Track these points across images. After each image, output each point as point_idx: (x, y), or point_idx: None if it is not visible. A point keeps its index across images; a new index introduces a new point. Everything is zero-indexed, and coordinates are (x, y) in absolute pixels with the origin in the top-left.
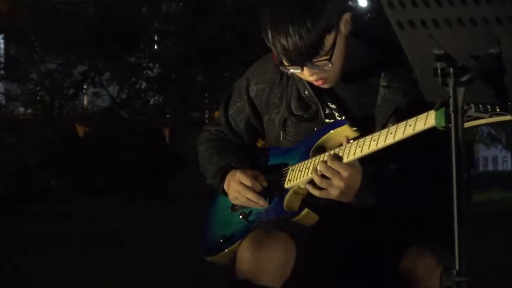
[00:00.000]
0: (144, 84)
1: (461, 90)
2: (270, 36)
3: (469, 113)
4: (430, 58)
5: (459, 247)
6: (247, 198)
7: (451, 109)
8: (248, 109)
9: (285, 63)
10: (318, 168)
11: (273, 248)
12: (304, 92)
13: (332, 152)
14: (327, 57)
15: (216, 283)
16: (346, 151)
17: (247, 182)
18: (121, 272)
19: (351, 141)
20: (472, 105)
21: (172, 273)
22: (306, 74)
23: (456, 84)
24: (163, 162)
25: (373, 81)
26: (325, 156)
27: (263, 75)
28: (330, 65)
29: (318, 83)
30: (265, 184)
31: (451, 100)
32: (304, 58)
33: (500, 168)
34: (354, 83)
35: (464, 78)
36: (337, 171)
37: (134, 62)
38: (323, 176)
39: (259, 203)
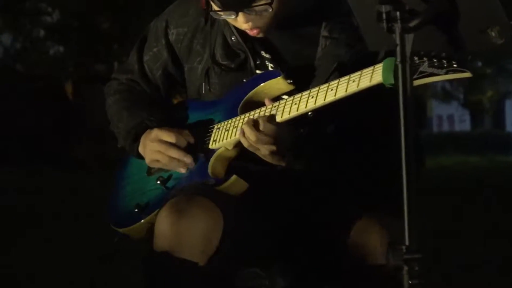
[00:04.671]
0: (42, 33)
1: (409, 38)
2: None
3: (421, 69)
4: (373, 0)
5: (409, 221)
6: (171, 157)
7: (398, 59)
8: (166, 56)
9: (216, 8)
10: (245, 131)
11: (196, 216)
12: (231, 38)
13: (264, 110)
14: (268, 0)
15: (129, 258)
16: (280, 109)
17: (170, 138)
18: (17, 247)
19: (285, 97)
20: (425, 59)
21: (78, 250)
22: (240, 21)
23: (403, 30)
24: (65, 123)
25: (313, 29)
26: (255, 114)
27: (184, 17)
28: (270, 10)
29: (253, 32)
30: (192, 139)
31: (398, 49)
32: (242, 1)
33: (457, 128)
34: (290, 31)
35: (412, 23)
36: (269, 135)
37: (30, 7)
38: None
39: (185, 160)
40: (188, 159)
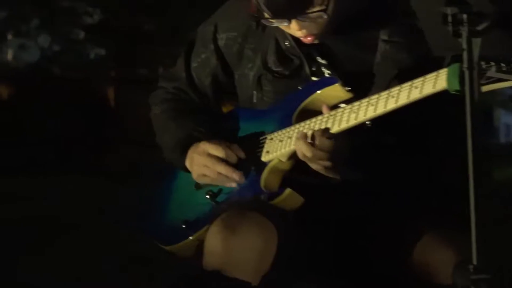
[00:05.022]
0: (82, 34)
1: (477, 42)
2: None
3: (489, 74)
4: (438, 1)
5: (477, 238)
6: (218, 173)
7: (465, 65)
8: (216, 62)
9: (267, 15)
10: (298, 145)
11: (249, 233)
12: (284, 43)
13: (320, 119)
14: (323, 7)
15: (173, 276)
16: (338, 117)
17: (219, 152)
18: (54, 264)
19: (343, 105)
20: (492, 63)
21: (116, 267)
22: (293, 28)
23: (471, 34)
24: (104, 131)
25: (371, 33)
26: (311, 123)
27: (234, 21)
28: (326, 17)
29: (307, 39)
30: (242, 154)
31: (464, 54)
32: (294, 9)
33: None
34: (347, 35)
35: (480, 27)
36: (324, 150)
37: (69, 6)
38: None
39: (234, 178)
40: (236, 176)
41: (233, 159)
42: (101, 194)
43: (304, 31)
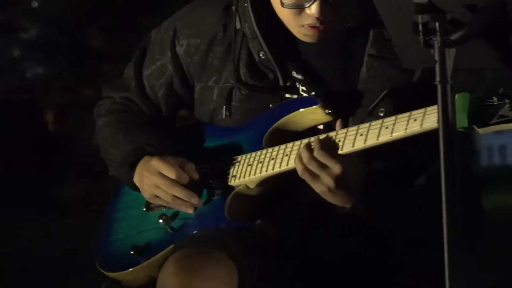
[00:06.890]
0: (17, 52)
1: (451, 53)
2: None
3: (502, 112)
4: (408, 9)
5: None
6: (174, 196)
7: (437, 78)
8: (173, 71)
9: None
10: (303, 156)
11: (212, 277)
12: (259, 54)
13: (320, 136)
14: None
15: None
16: (339, 139)
17: (171, 173)
18: None
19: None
20: (507, 101)
21: None
22: (313, 10)
23: (444, 44)
24: (45, 159)
25: (356, 46)
26: (293, 148)
27: (198, 26)
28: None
29: (315, 30)
30: (196, 175)
31: (437, 67)
32: None
33: (510, 161)
34: (334, 47)
35: (455, 36)
36: (325, 165)
37: (4, 21)
38: (306, 169)
39: (192, 202)
40: (195, 200)
41: (184, 180)
42: (52, 230)
43: (323, 16)
